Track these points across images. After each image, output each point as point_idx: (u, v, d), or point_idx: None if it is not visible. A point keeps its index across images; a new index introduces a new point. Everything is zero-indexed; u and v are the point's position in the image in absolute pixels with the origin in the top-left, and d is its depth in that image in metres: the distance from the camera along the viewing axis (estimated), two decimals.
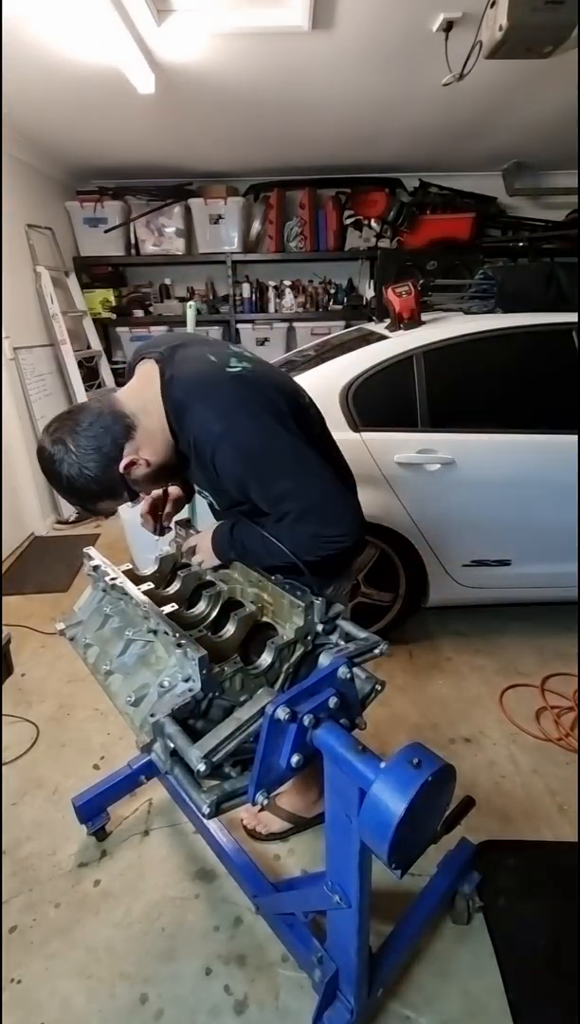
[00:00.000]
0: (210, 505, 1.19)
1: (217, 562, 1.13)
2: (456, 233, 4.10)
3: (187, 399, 0.96)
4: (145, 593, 1.05)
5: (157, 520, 1.26)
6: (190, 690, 0.84)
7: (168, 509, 1.27)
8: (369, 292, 4.46)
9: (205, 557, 1.14)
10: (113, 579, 1.08)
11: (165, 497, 1.28)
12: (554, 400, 2.10)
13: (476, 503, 2.08)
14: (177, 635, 0.88)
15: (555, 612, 2.48)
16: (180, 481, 1.26)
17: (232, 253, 4.30)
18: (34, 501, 3.56)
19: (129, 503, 1.08)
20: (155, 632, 0.95)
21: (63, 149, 3.66)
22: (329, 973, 1.04)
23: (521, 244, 4.21)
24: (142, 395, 1.01)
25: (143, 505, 1.25)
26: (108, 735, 1.94)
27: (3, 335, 3.23)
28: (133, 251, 4.38)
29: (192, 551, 1.19)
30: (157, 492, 1.24)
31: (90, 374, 4.32)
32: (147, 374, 1.03)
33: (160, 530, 1.28)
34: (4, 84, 2.58)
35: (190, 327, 2.41)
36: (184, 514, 1.37)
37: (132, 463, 0.98)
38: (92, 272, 4.43)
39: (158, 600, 1.05)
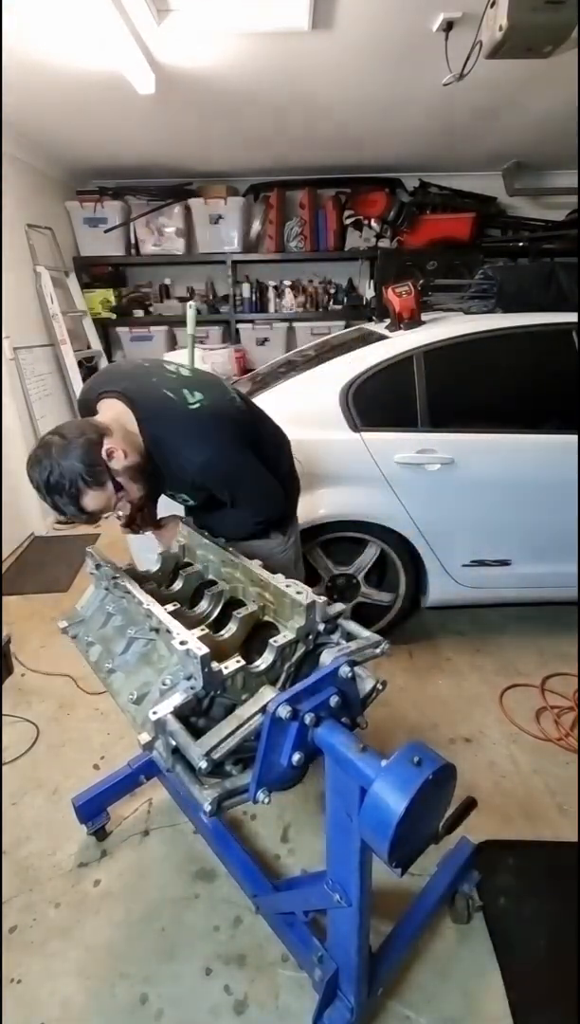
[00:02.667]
0: (184, 502, 1.40)
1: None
2: (456, 233, 4.10)
3: (167, 435, 1.20)
4: (147, 592, 1.05)
5: (134, 527, 1.39)
6: (192, 688, 0.85)
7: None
8: (369, 292, 4.46)
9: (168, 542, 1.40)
10: (115, 578, 1.08)
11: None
12: (554, 400, 2.10)
13: (476, 503, 2.07)
14: (179, 633, 0.88)
15: (555, 612, 2.48)
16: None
17: (232, 253, 4.30)
18: (34, 501, 3.55)
19: (116, 509, 1.21)
20: (157, 630, 0.95)
21: (63, 149, 3.66)
22: (329, 972, 1.04)
23: (521, 244, 4.21)
24: (118, 420, 1.19)
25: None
26: (108, 735, 1.94)
27: (3, 335, 3.23)
28: (133, 251, 4.38)
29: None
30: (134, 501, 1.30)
31: (90, 374, 4.31)
32: (114, 408, 1.21)
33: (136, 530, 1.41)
34: (4, 84, 2.58)
35: (190, 327, 2.41)
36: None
37: (112, 450, 1.13)
38: (92, 272, 4.43)
39: (160, 599, 1.05)
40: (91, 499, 1.12)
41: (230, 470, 1.26)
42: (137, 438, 1.20)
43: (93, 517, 1.16)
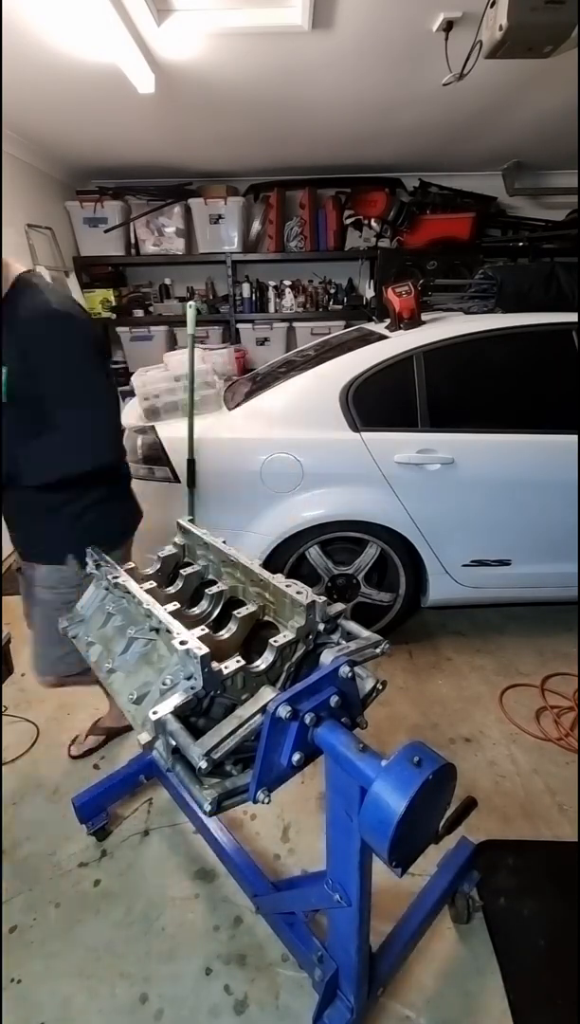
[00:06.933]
0: None
1: None
2: (456, 233, 4.10)
3: (29, 287, 1.26)
4: (147, 592, 1.05)
5: None
6: (192, 688, 0.84)
7: None
8: (369, 292, 4.46)
9: None
10: (115, 578, 1.08)
11: None
12: (554, 400, 2.10)
13: (476, 503, 2.08)
14: (179, 633, 0.88)
15: (555, 612, 2.48)
16: None
17: (232, 253, 4.30)
18: None
19: None
20: (157, 630, 0.95)
21: (63, 149, 3.66)
22: (329, 972, 1.04)
23: (521, 244, 4.21)
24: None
25: None
26: None
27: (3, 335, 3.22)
28: (133, 251, 4.38)
29: None
30: None
31: None
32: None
33: None
34: (4, 83, 2.58)
35: (190, 327, 2.41)
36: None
37: None
38: (92, 272, 4.42)
39: (160, 599, 1.05)
40: None
41: (74, 354, 1.14)
42: None
43: None
